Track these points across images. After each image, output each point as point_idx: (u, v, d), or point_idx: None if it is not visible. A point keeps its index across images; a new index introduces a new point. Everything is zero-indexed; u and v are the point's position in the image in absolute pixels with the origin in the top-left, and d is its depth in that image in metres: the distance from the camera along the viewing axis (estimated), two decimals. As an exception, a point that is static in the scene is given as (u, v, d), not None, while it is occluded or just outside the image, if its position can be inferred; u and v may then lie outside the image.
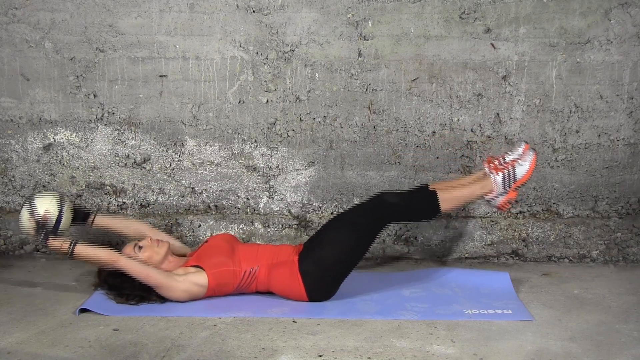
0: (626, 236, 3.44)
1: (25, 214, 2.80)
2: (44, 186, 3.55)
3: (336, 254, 2.79)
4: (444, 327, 2.57)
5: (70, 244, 2.70)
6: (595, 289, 3.02)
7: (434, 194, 2.84)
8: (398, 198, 2.89)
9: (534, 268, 3.34)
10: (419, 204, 2.87)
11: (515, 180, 2.85)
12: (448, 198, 2.84)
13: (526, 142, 3.01)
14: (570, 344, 2.42)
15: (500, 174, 2.84)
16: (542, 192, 3.51)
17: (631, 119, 3.44)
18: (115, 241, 3.48)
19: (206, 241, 3.02)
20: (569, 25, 3.36)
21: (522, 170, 2.85)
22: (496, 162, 2.90)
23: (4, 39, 3.42)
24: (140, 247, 2.84)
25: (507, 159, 2.90)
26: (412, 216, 2.96)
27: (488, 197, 2.87)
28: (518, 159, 2.87)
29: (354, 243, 2.82)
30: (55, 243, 2.72)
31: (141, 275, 2.70)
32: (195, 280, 2.75)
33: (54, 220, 2.80)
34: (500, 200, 2.87)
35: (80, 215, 3.00)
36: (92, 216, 3.03)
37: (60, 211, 2.83)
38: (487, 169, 2.90)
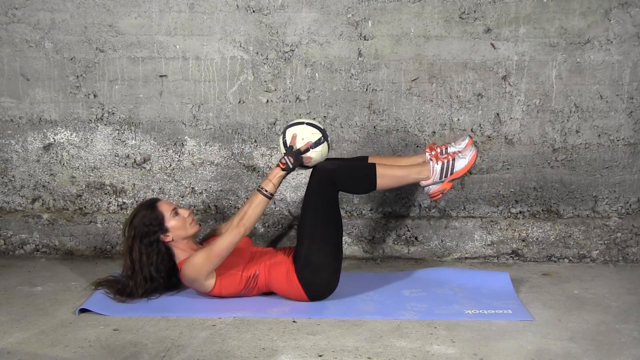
0: (626, 236, 3.45)
1: (313, 137, 2.76)
2: (44, 186, 3.55)
3: (316, 246, 2.76)
4: (444, 327, 2.57)
5: (271, 193, 2.73)
6: (595, 289, 3.02)
7: (373, 166, 2.82)
8: (336, 164, 2.85)
9: (534, 268, 3.34)
10: (358, 172, 2.84)
11: (452, 172, 2.85)
12: (385, 174, 2.81)
13: (470, 136, 3.01)
14: (570, 344, 2.42)
15: (440, 163, 2.84)
16: (542, 192, 3.51)
17: (631, 119, 3.44)
18: (115, 241, 3.49)
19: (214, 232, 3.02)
20: (569, 25, 3.36)
21: (461, 164, 2.85)
22: (438, 150, 2.90)
23: (4, 39, 3.42)
24: (177, 214, 2.81)
25: (450, 150, 2.90)
26: (350, 184, 2.86)
27: (423, 183, 2.87)
28: (459, 152, 2.88)
29: (323, 226, 2.79)
30: (278, 177, 2.75)
31: (221, 249, 2.68)
32: (208, 274, 2.75)
33: (304, 166, 2.79)
34: (433, 188, 2.88)
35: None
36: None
37: (310, 167, 2.82)
38: (427, 156, 2.90)
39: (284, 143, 2.80)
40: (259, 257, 2.87)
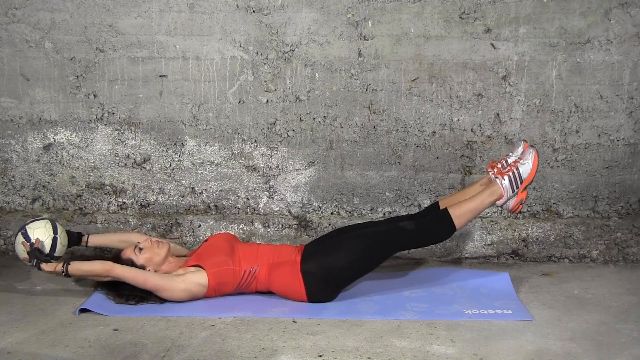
0: (626, 236, 3.44)
1: (19, 240, 2.86)
2: (44, 186, 3.55)
3: (343, 262, 2.78)
4: (444, 327, 2.57)
5: (64, 264, 2.72)
6: (595, 289, 3.01)
7: (446, 212, 2.82)
8: (414, 225, 2.85)
9: (534, 268, 3.34)
10: (434, 227, 2.84)
11: (522, 181, 2.84)
12: (460, 214, 2.80)
13: (525, 140, 3.01)
14: (570, 344, 2.42)
15: (506, 177, 2.83)
16: (542, 192, 3.51)
17: (631, 119, 3.44)
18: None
19: (206, 240, 3.02)
20: (569, 25, 3.36)
21: (527, 168, 2.84)
22: (499, 165, 2.88)
23: (4, 39, 3.42)
24: (140, 249, 2.84)
25: (510, 160, 2.89)
26: (428, 241, 2.92)
27: (499, 202, 2.85)
28: (520, 158, 2.87)
29: (364, 257, 2.81)
30: (47, 267, 2.74)
31: (139, 281, 2.72)
32: (195, 279, 2.75)
33: (49, 247, 2.86)
34: (511, 203, 2.86)
35: (74, 238, 3.04)
36: (85, 237, 3.08)
37: (55, 237, 2.88)
38: (491, 175, 2.88)
39: (28, 264, 2.85)
40: (259, 253, 2.87)
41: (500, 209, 2.90)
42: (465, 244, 3.48)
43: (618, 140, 3.46)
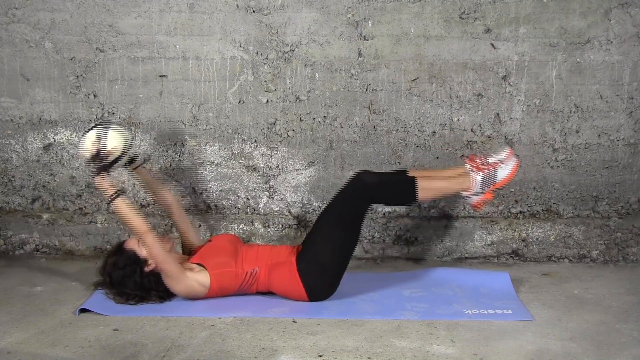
0: (626, 236, 3.44)
1: (92, 137, 2.71)
2: (44, 186, 3.55)
3: (329, 248, 2.77)
4: (444, 327, 2.57)
5: (115, 193, 2.68)
6: (595, 289, 3.01)
7: (413, 180, 2.82)
8: (376, 178, 2.85)
9: (534, 268, 3.34)
10: (397, 187, 2.84)
11: (494, 183, 2.84)
12: (426, 187, 2.81)
13: (511, 147, 3.00)
14: (570, 344, 2.42)
15: (481, 173, 2.84)
16: (542, 192, 3.51)
17: (631, 119, 3.44)
18: (116, 241, 3.49)
19: (209, 240, 3.02)
20: (569, 25, 3.36)
21: (503, 174, 2.83)
22: (478, 161, 2.89)
23: (4, 39, 3.42)
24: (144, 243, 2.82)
25: (490, 160, 2.88)
26: (389, 199, 2.91)
27: (465, 194, 2.86)
28: (501, 162, 2.86)
29: (344, 233, 2.80)
30: (103, 182, 2.70)
31: (159, 258, 2.69)
32: (199, 278, 2.75)
33: (113, 159, 2.74)
34: (475, 199, 2.86)
35: (133, 162, 2.97)
36: (137, 162, 3.00)
37: (123, 153, 2.77)
38: (468, 167, 2.89)
39: (86, 163, 2.80)
40: (259, 254, 2.87)
41: (463, 200, 2.90)
42: (465, 244, 3.48)
43: (618, 140, 3.46)
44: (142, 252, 2.78)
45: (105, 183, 2.72)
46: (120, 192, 2.71)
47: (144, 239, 2.70)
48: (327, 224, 2.82)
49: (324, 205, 3.09)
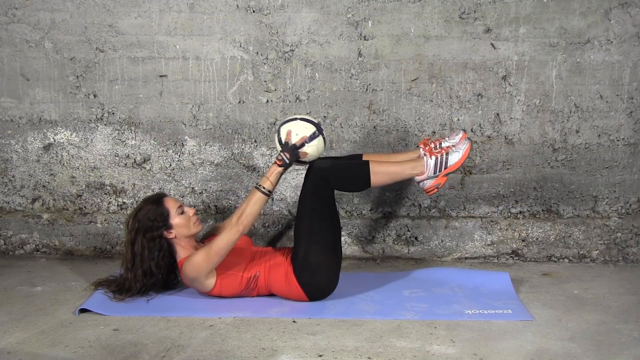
0: (626, 236, 3.45)
1: (308, 132, 2.76)
2: (44, 186, 3.55)
3: (314, 244, 2.76)
4: (444, 327, 2.57)
5: (270, 191, 2.73)
6: (595, 289, 3.01)
7: (366, 163, 2.82)
8: (329, 162, 2.85)
9: (534, 268, 3.34)
10: (351, 171, 2.84)
11: (446, 167, 2.84)
12: (379, 171, 2.81)
13: (464, 130, 3.00)
14: (570, 344, 2.42)
15: (434, 157, 2.84)
16: (542, 192, 3.51)
17: (631, 119, 3.44)
18: (115, 241, 3.49)
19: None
20: (569, 25, 3.36)
21: (455, 157, 2.84)
22: (432, 145, 2.89)
23: (4, 39, 3.42)
24: (182, 212, 2.80)
25: (443, 144, 2.89)
26: (344, 183, 2.87)
27: (418, 178, 2.86)
28: (453, 146, 2.87)
29: (320, 224, 2.79)
30: (276, 173, 2.75)
31: (220, 247, 2.67)
32: (208, 274, 2.75)
33: (300, 161, 2.80)
34: (428, 183, 2.86)
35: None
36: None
37: (306, 161, 2.81)
38: (421, 151, 2.89)
39: (279, 140, 2.80)
40: (259, 257, 2.86)
41: (417, 185, 2.91)
42: (465, 244, 3.48)
43: (618, 140, 3.46)
44: (175, 219, 2.77)
45: (276, 176, 2.76)
46: (270, 195, 2.76)
47: (231, 230, 2.68)
48: (302, 223, 2.81)
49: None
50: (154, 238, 2.74)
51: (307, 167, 2.86)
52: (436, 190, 2.88)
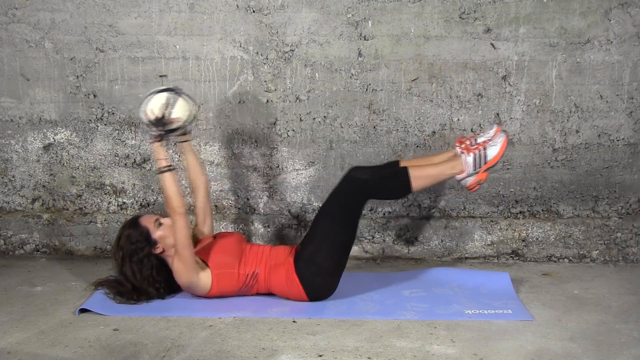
0: (626, 236, 3.45)
1: (162, 100, 2.68)
2: (44, 186, 3.55)
3: (326, 247, 2.76)
4: (444, 327, 2.57)
5: (168, 166, 2.66)
6: (595, 289, 3.02)
7: (405, 170, 2.81)
8: (369, 173, 2.82)
9: (534, 268, 3.34)
10: (391, 180, 2.82)
11: (486, 162, 2.84)
12: (419, 176, 2.80)
13: (498, 124, 3.00)
14: (570, 344, 2.42)
15: (472, 154, 2.84)
16: (542, 192, 3.51)
17: (631, 119, 3.44)
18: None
19: (213, 236, 3.00)
20: (569, 25, 3.36)
21: (493, 151, 2.84)
22: (468, 142, 2.89)
23: (4, 39, 3.42)
24: (160, 224, 2.80)
25: (479, 140, 2.89)
26: (384, 193, 2.88)
27: (459, 177, 2.85)
28: (489, 140, 2.87)
29: (341, 231, 2.79)
30: (161, 150, 2.68)
31: (183, 241, 2.67)
32: (201, 276, 2.74)
33: (174, 127, 2.72)
34: (470, 180, 2.86)
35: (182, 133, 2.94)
36: (188, 137, 2.98)
37: (183, 125, 2.75)
38: (458, 149, 2.88)
39: (146, 123, 2.74)
40: (259, 255, 2.86)
41: (458, 183, 2.91)
42: (465, 244, 3.48)
43: (618, 140, 3.46)
44: (156, 233, 2.77)
45: (162, 152, 2.69)
46: (172, 165, 2.69)
47: (176, 220, 2.67)
48: (323, 224, 2.81)
49: (320, 205, 3.08)
50: (141, 260, 2.75)
51: (188, 130, 2.84)
52: (478, 186, 2.87)
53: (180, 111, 2.71)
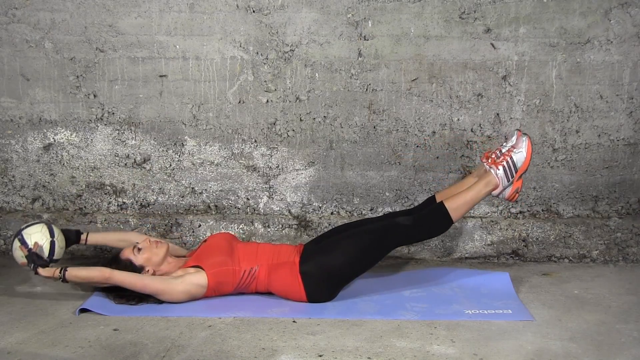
0: (626, 236, 3.45)
1: (16, 245, 2.81)
2: (44, 186, 3.55)
3: (341, 262, 2.78)
4: (444, 327, 2.57)
5: (61, 270, 2.70)
6: (595, 289, 3.02)
7: (442, 206, 2.83)
8: (411, 220, 2.85)
9: (534, 268, 3.34)
10: (432, 221, 2.85)
11: (517, 169, 2.85)
12: (457, 206, 2.82)
13: (518, 129, 3.01)
14: (570, 344, 2.42)
15: (501, 167, 2.84)
16: (542, 192, 3.51)
17: (631, 119, 3.44)
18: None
19: (205, 240, 3.02)
20: (569, 25, 3.36)
21: (521, 157, 2.84)
22: (493, 156, 2.90)
23: (4, 39, 3.42)
24: (139, 249, 2.84)
25: (503, 150, 2.89)
26: (427, 233, 2.92)
27: (495, 192, 2.86)
28: (513, 147, 2.87)
29: (362, 255, 2.82)
30: (45, 272, 2.72)
31: (137, 286, 2.71)
32: (195, 280, 2.75)
33: (47, 250, 2.82)
34: (507, 191, 2.87)
35: (73, 236, 3.01)
36: (84, 235, 3.06)
37: (52, 241, 2.84)
38: (486, 165, 2.89)
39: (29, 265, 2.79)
40: (260, 253, 2.87)
41: (497, 198, 2.90)
42: (465, 244, 3.48)
43: (618, 140, 3.46)
44: (138, 260, 2.81)
45: (48, 272, 2.72)
46: (64, 267, 2.72)
47: (112, 282, 2.71)
48: (347, 244, 2.82)
49: (352, 221, 3.12)
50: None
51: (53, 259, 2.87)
52: (517, 195, 2.89)
53: (33, 238, 2.81)
